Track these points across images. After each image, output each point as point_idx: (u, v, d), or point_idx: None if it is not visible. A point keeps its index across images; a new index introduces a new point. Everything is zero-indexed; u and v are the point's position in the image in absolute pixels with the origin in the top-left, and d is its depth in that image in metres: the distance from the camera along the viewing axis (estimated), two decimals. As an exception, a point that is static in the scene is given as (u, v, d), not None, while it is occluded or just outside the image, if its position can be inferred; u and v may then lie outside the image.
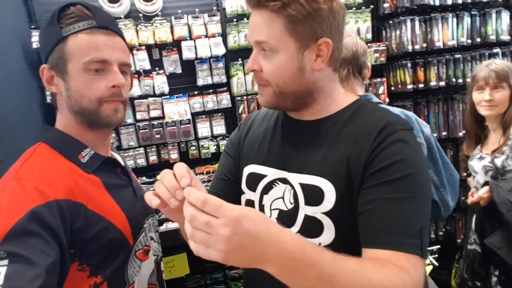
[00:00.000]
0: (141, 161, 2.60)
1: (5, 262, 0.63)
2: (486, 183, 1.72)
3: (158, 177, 2.60)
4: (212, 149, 2.69)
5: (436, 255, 2.54)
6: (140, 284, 0.92)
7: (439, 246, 2.55)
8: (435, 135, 2.73)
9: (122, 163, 1.00)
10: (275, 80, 0.78)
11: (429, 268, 2.13)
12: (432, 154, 1.28)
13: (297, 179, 0.82)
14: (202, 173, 2.61)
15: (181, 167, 0.67)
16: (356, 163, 0.75)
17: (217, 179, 0.99)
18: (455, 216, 2.88)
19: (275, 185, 0.85)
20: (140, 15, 2.45)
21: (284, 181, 0.84)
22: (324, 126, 0.82)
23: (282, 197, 0.83)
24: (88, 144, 0.88)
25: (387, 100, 2.77)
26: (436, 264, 2.28)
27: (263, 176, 0.88)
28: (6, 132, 1.75)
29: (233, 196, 0.93)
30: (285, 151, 0.86)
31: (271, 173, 0.87)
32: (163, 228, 2.08)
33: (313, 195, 0.78)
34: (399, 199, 0.70)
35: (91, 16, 0.84)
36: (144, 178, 2.60)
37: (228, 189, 0.96)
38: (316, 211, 0.78)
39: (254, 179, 0.90)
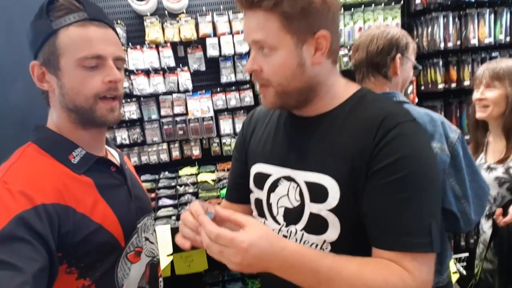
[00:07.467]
0: (164, 157, 2.65)
1: None
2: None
3: (180, 172, 2.64)
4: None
5: (465, 263, 2.42)
6: (129, 287, 0.89)
7: (467, 254, 2.42)
8: (467, 137, 2.59)
9: (118, 161, 0.97)
10: (277, 79, 0.77)
11: (455, 277, 2.03)
12: (456, 163, 1.15)
13: (301, 176, 0.81)
14: (224, 170, 2.61)
15: (195, 206, 0.74)
16: (359, 160, 0.74)
17: (229, 185, 1.07)
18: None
19: (280, 183, 0.86)
20: (166, 12, 2.49)
21: (289, 178, 0.84)
22: (325, 122, 0.81)
23: (287, 195, 0.84)
24: (80, 143, 0.85)
25: (416, 100, 2.66)
26: (464, 272, 2.17)
27: (269, 175, 0.88)
28: (19, 131, 1.82)
29: (244, 198, 0.97)
30: (288, 148, 0.85)
31: (276, 171, 0.87)
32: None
33: (318, 193, 0.78)
34: (403, 200, 0.71)
35: (81, 8, 0.80)
36: (166, 173, 2.64)
37: (238, 192, 1.01)
38: (321, 209, 0.78)
39: (261, 177, 0.90)
